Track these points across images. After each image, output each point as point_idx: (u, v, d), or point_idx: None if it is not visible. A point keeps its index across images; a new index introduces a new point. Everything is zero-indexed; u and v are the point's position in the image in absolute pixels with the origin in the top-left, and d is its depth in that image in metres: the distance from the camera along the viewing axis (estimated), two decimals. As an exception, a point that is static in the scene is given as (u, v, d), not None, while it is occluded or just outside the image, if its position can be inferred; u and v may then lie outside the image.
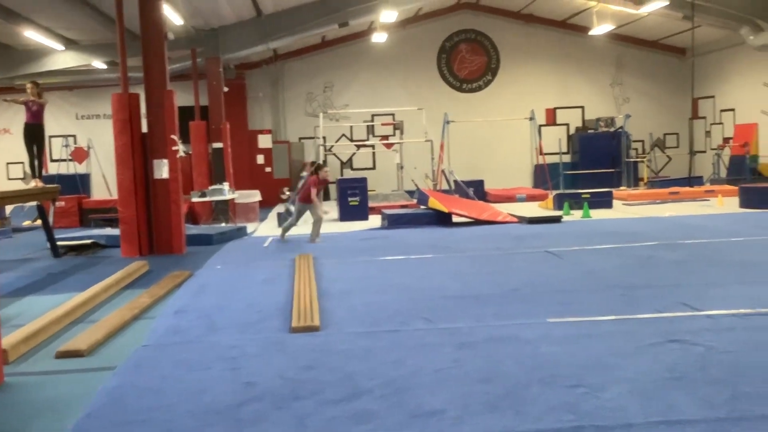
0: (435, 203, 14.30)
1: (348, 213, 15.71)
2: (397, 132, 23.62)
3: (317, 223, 12.20)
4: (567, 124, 25.12)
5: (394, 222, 14.06)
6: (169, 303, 7.36)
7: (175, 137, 11.55)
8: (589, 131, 23.80)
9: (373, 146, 23.74)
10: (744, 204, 15.53)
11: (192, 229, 13.21)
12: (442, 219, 14.07)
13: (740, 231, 11.34)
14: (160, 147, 11.44)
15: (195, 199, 15.70)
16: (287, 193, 18.18)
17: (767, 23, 18.14)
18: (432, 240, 11.71)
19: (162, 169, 11.43)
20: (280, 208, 17.65)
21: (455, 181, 18.64)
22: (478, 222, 13.91)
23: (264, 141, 23.54)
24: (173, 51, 16.70)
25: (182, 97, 18.05)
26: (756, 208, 14.96)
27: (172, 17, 14.72)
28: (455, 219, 14.14)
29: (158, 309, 7.10)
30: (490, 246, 10.68)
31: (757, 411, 3.74)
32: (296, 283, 7.80)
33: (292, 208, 16.34)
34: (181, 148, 11.73)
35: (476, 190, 18.97)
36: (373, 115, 23.17)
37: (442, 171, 19.65)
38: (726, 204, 16.14)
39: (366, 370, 4.69)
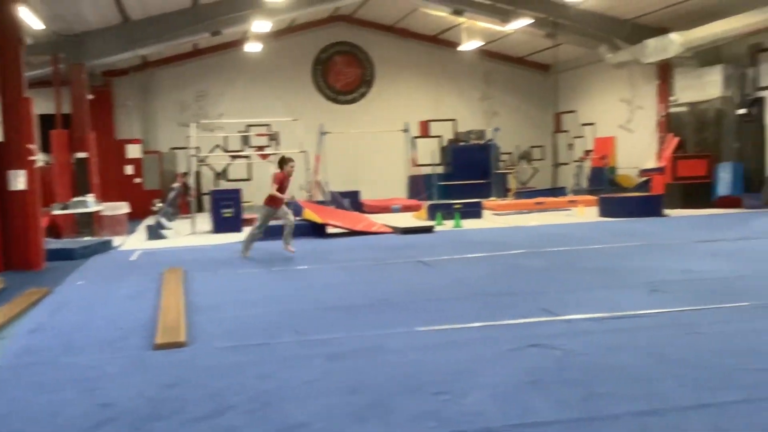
0: (310, 214, 14.25)
1: (222, 225, 15.39)
2: (273, 143, 23.44)
3: (288, 229, 11.21)
4: (440, 136, 25.75)
5: (268, 233, 13.86)
6: (23, 322, 6.92)
7: (32, 147, 10.94)
8: (461, 143, 24.48)
9: (248, 157, 23.42)
10: (603, 213, 16.42)
11: (53, 244, 12.53)
12: (317, 230, 14.04)
13: (598, 239, 11.97)
14: (16, 157, 10.79)
15: (56, 212, 14.91)
16: (159, 204, 17.60)
17: (624, 42, 19.31)
18: (306, 251, 11.66)
19: (18, 180, 10.78)
20: (150, 220, 17.06)
21: (330, 192, 18.67)
22: (352, 233, 13.98)
23: (133, 151, 22.71)
24: (34, 56, 15.84)
25: (44, 105, 17.17)
26: (613, 216, 15.85)
27: (31, 21, 13.96)
28: (330, 230, 14.15)
29: (11, 329, 6.66)
30: (364, 256, 10.76)
31: (609, 410, 3.93)
32: (163, 298, 7.54)
33: (165, 221, 15.80)
34: (40, 158, 11.11)
35: (352, 200, 19.08)
36: (248, 126, 22.88)
37: (318, 182, 19.65)
38: (587, 213, 17.01)
39: (232, 386, 4.59)
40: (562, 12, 18.44)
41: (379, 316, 6.57)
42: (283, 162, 11.41)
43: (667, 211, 16.22)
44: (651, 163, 19.62)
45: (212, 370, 4.99)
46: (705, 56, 18.03)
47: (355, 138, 23.34)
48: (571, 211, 18.11)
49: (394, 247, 11.85)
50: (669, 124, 19.57)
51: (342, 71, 25.13)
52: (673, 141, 18.78)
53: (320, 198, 18.84)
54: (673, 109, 19.48)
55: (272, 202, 11.22)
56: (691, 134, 18.68)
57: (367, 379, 4.63)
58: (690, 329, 5.64)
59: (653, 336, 5.48)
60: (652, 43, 17.78)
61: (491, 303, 6.96)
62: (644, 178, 19.69)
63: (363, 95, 25.38)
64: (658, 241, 11.51)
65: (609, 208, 16.34)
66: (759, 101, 17.36)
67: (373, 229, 14.27)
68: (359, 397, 4.28)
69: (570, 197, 20.76)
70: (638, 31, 18.91)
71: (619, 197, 17.20)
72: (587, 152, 24.07)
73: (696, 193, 17.61)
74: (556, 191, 22.62)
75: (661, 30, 18.33)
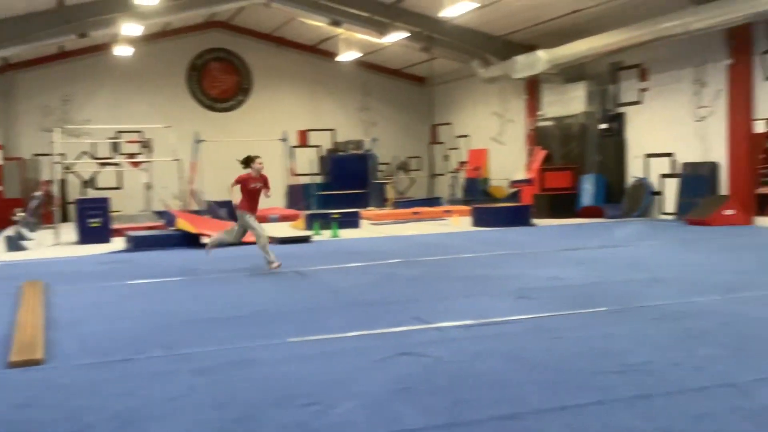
0: (183, 224, 13.87)
1: (88, 235, 14.71)
2: (145, 150, 22.67)
3: (261, 240, 10.03)
4: (319, 146, 25.74)
5: (138, 244, 13.41)
6: None
7: None
8: (340, 153, 24.58)
9: (118, 164, 22.53)
10: (476, 223, 16.91)
11: None
12: (191, 240, 13.68)
13: (471, 248, 12.31)
14: None
15: None
16: (20, 214, 16.61)
17: (495, 58, 20.01)
18: (179, 263, 11.33)
19: None
20: (10, 231, 16.07)
21: (206, 202, 18.26)
22: (228, 243, 13.69)
23: (-8, 157, 21.33)
24: None
25: None
26: (486, 226, 16.36)
27: None
28: (204, 240, 13.81)
29: None
30: (239, 267, 10.57)
31: (473, 416, 4.02)
32: (20, 313, 7.11)
33: (26, 232, 14.84)
34: None
35: (228, 210, 18.71)
36: (118, 132, 22.03)
37: (193, 191, 19.17)
38: (461, 223, 17.46)
39: (91, 405, 4.37)
40: (437, 27, 18.90)
41: (252, 327, 6.46)
42: (248, 161, 10.35)
43: (535, 221, 16.91)
44: (521, 175, 20.40)
45: (70, 389, 4.74)
46: (570, 73, 18.97)
47: (232, 146, 22.88)
48: (446, 221, 18.53)
49: (270, 257, 11.71)
50: (537, 137, 20.44)
51: (218, 78, 24.68)
52: (541, 153, 19.62)
53: (196, 207, 18.38)
54: (540, 123, 20.37)
55: (244, 205, 10.13)
56: (558, 147, 19.59)
57: (235, 393, 4.53)
58: (552, 334, 5.88)
59: (518, 341, 5.67)
60: (521, 59, 18.53)
61: (365, 312, 7.01)
62: (514, 189, 20.44)
63: (240, 103, 25.02)
64: (527, 249, 11.96)
65: (482, 218, 16.85)
66: (619, 117, 18.42)
67: (250, 240, 14.04)
68: (226, 412, 4.19)
69: (446, 207, 21.24)
70: (509, 47, 19.66)
71: (491, 207, 17.78)
72: (462, 163, 24.76)
73: (562, 203, 18.45)
74: (433, 201, 23.10)
75: (529, 47, 19.13)
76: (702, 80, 15.93)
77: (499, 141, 23.04)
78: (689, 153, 16.40)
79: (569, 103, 19.23)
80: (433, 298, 7.63)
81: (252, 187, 10.19)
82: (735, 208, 14.91)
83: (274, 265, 9.98)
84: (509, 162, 22.02)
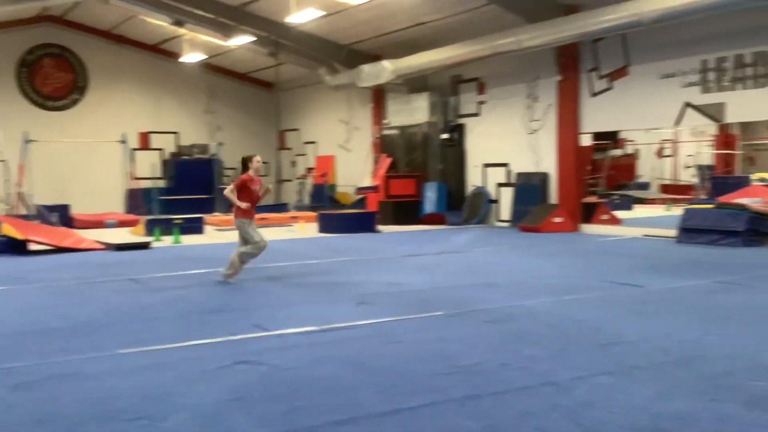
0: (8, 229, 12.91)
1: None
2: (-34, 150, 20.92)
3: (255, 249, 9.15)
4: (161, 149, 24.83)
5: None
6: None
7: None
8: (184, 157, 23.82)
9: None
10: (322, 229, 16.95)
11: None
12: (18, 247, 12.76)
13: (316, 254, 12.32)
14: None
15: None
16: None
17: (342, 66, 20.19)
18: (3, 270, 10.53)
19: None
20: None
21: (35, 206, 17.13)
22: (59, 249, 12.93)
23: None
24: None
25: None
26: (332, 232, 16.44)
27: None
28: (33, 247, 12.94)
29: None
30: (69, 275, 9.98)
31: (308, 422, 4.01)
32: None
33: None
34: None
35: (61, 215, 17.67)
36: (-66, 130, 20.20)
37: (21, 194, 17.92)
38: (308, 229, 17.44)
39: None
40: (284, 32, 18.82)
41: (79, 339, 6.11)
42: (246, 161, 9.44)
43: (380, 227, 17.20)
44: (366, 182, 20.67)
45: None
46: (414, 84, 19.49)
47: (66, 148, 21.69)
48: (293, 227, 18.42)
49: (104, 264, 11.16)
50: (382, 145, 20.82)
51: (51, 75, 23.22)
52: (386, 161, 20.01)
53: (24, 212, 17.20)
54: (386, 132, 20.77)
55: (241, 212, 9.15)
56: (402, 155, 20.06)
57: (57, 409, 4.26)
58: (390, 339, 6.00)
59: (356, 347, 5.73)
60: (366, 68, 18.82)
61: (203, 321, 6.82)
62: (360, 196, 20.69)
63: (75, 102, 23.68)
64: (371, 255, 12.14)
65: (328, 225, 16.92)
66: (459, 127, 19.14)
67: (82, 246, 13.33)
68: (46, 429, 3.93)
69: (292, 213, 21.15)
70: (355, 56, 19.90)
71: (337, 214, 17.91)
72: (309, 170, 24.76)
73: (406, 210, 18.89)
74: (280, 207, 22.90)
75: (375, 57, 19.47)
76: (534, 95, 16.87)
77: (345, 148, 23.26)
78: (523, 163, 17.30)
79: (413, 112, 19.74)
80: (275, 305, 7.56)
81: (254, 190, 9.29)
82: (563, 215, 15.88)
83: (232, 279, 9.16)
84: (355, 169, 22.26)
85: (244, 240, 9.24)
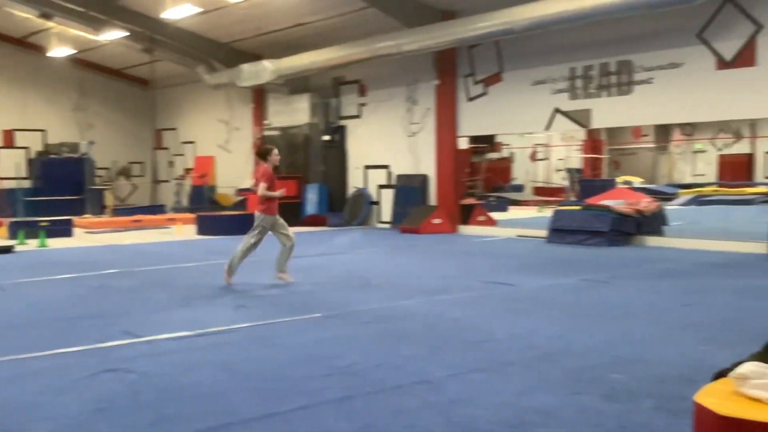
0: None
1: None
2: None
3: (287, 249, 8.83)
4: (27, 148, 23.52)
5: None
6: None
7: None
8: (52, 156, 22.63)
9: None
10: (200, 231, 16.56)
11: None
12: None
13: (193, 257, 12.03)
14: None
15: None
16: None
17: (221, 65, 19.80)
18: None
19: None
20: None
21: None
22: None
23: None
24: None
25: None
26: (211, 234, 16.09)
27: None
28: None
29: None
30: None
31: (177, 431, 3.90)
32: None
33: None
34: None
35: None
36: None
37: None
38: (185, 231, 16.99)
39: None
40: (160, 28, 18.25)
41: (-71, 351, 5.68)
42: (265, 154, 8.91)
43: (260, 229, 16.96)
44: (247, 183, 20.36)
45: None
46: (295, 84, 19.39)
47: None
48: (170, 229, 17.91)
49: (-39, 270, 10.44)
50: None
51: None
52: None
53: None
54: (267, 132, 20.54)
55: (266, 207, 8.72)
56: (284, 157, 19.79)
57: None
58: (267, 342, 5.92)
59: (232, 351, 5.63)
60: (247, 68, 18.55)
61: (69, 328, 6.50)
62: (241, 197, 20.38)
63: (-70, 96, 22.07)
64: (251, 257, 11.90)
65: (206, 226, 16.55)
66: (341, 129, 19.20)
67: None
68: None
69: (169, 215, 20.56)
70: (235, 55, 19.58)
71: (216, 215, 17.57)
72: (187, 170, 24.15)
73: (287, 211, 18.53)
74: (156, 209, 22.18)
75: (256, 56, 19.22)
76: (414, 98, 17.17)
77: (225, 148, 22.83)
78: (403, 165, 17.57)
79: (294, 113, 19.63)
80: (148, 310, 7.31)
81: (276, 183, 8.87)
82: (442, 217, 16.24)
83: (228, 280, 8.83)
84: (236, 170, 21.91)
85: (259, 235, 8.88)
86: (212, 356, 5.46)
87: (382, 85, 17.93)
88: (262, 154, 9.01)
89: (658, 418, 4.02)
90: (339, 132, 19.22)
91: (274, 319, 6.77)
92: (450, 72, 16.21)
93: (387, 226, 17.89)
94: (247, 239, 8.92)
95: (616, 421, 4.00)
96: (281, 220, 8.87)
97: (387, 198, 18.05)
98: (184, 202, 23.16)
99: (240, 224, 16.57)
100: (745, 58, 11.70)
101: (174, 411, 4.19)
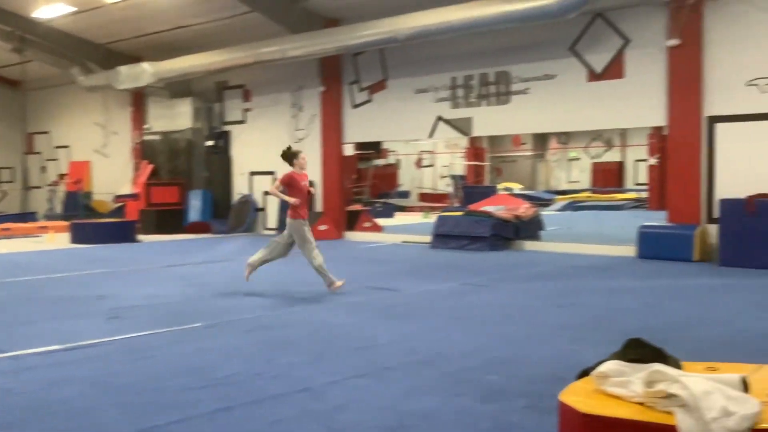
0: None
1: None
2: None
3: (318, 259, 8.52)
4: None
5: None
6: None
7: None
8: None
9: None
10: (75, 239, 15.83)
11: None
12: None
13: (66, 266, 11.47)
14: None
15: None
16: None
17: (97, 67, 19.03)
18: None
19: None
20: None
21: None
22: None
23: None
24: None
25: None
26: (86, 243, 15.40)
27: None
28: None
29: None
30: None
31: (42, 450, 3.69)
32: None
33: None
34: None
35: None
36: None
37: None
38: (58, 240, 16.19)
39: None
40: (31, 28, 17.35)
41: None
42: (291, 156, 8.64)
43: (141, 237, 16.44)
44: (126, 189, 19.68)
45: None
46: (177, 88, 18.88)
47: None
48: (41, 238, 17.03)
49: None
50: (143, 151, 19.93)
51: None
52: (148, 168, 19.17)
53: None
54: (147, 137, 19.90)
55: (296, 212, 8.46)
56: (165, 162, 19.33)
57: None
58: (143, 354, 5.71)
59: (103, 365, 5.39)
60: (124, 70, 17.90)
61: (-77, 346, 6.03)
62: (119, 204, 19.64)
63: None
64: (128, 267, 11.54)
65: (81, 234, 15.83)
66: (225, 134, 18.86)
67: None
68: None
69: (41, 223, 19.54)
70: (112, 56, 18.86)
71: (92, 223, 16.86)
72: (61, 176, 23.02)
73: (169, 219, 18.22)
74: (27, 216, 21.05)
75: (135, 58, 18.59)
76: (299, 104, 17.09)
77: (102, 153, 21.92)
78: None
79: (176, 118, 19.12)
80: (13, 324, 6.90)
81: (303, 186, 8.58)
82: (328, 223, 16.22)
83: (337, 284, 8.57)
84: (114, 176, 21.07)
85: (287, 239, 8.74)
86: (82, 371, 5.21)
87: (267, 90, 17.75)
88: (287, 157, 8.83)
89: (530, 417, 4.15)
90: (223, 137, 18.87)
91: (150, 331, 6.54)
92: (335, 79, 16.24)
93: (273, 232, 17.68)
94: (273, 248, 8.90)
95: (490, 421, 4.10)
96: (306, 227, 8.68)
97: (273, 204, 17.86)
98: (58, 209, 22.05)
99: (118, 232, 16.07)
100: (614, 70, 12.34)
101: (40, 429, 3.96)
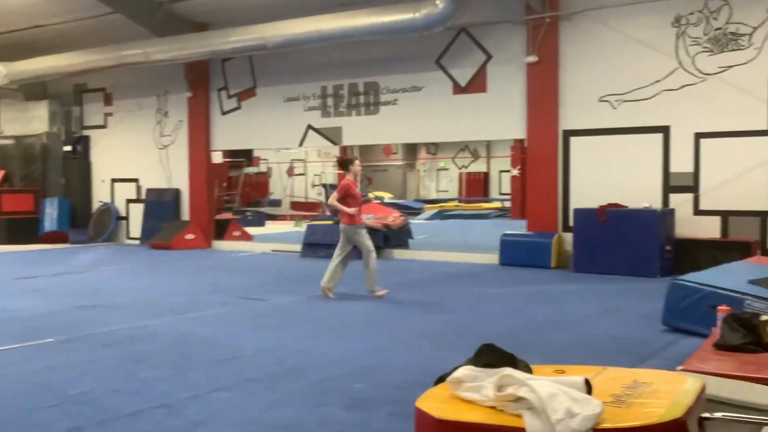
0: None
1: None
2: None
3: (373, 262, 8.78)
4: None
5: None
6: None
7: None
8: None
9: None
10: None
11: None
12: None
13: None
14: None
15: None
16: None
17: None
18: None
19: None
20: None
21: None
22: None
23: None
24: None
25: None
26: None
27: None
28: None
29: None
30: None
31: None
32: None
33: None
34: None
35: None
36: None
37: None
38: None
39: None
40: None
41: None
42: (347, 164, 8.85)
43: (-10, 248, 15.41)
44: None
45: None
46: (32, 90, 17.86)
47: None
48: None
49: None
50: (-6, 156, 18.69)
51: None
52: (-1, 174, 18.00)
53: None
54: (-2, 141, 18.69)
55: (350, 219, 8.63)
56: (18, 168, 18.19)
57: None
58: (-13, 373, 5.35)
59: (-58, 386, 5.00)
60: (-26, 69, 16.74)
61: None
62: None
63: None
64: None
65: None
66: (84, 139, 18.01)
67: None
68: None
69: None
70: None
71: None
72: None
73: (22, 228, 17.18)
74: None
75: (-15, 58, 17.43)
76: (165, 110, 16.59)
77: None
78: (154, 179, 16.88)
79: (30, 121, 18.06)
80: None
81: (357, 194, 8.85)
82: (196, 232, 15.82)
83: (380, 293, 8.82)
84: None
85: (351, 247, 8.97)
86: None
87: (130, 94, 17.11)
88: (343, 164, 9.04)
89: (394, 423, 4.20)
90: (82, 143, 18.01)
91: (-3, 347, 6.14)
92: (203, 85, 15.89)
93: (136, 242, 17.07)
94: (335, 254, 9.02)
95: (355, 429, 4.13)
96: (363, 232, 8.82)
97: (136, 213, 17.23)
98: None
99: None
100: (477, 84, 12.78)
101: None
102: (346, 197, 8.71)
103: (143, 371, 5.40)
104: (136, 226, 17.23)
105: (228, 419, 4.29)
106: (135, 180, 17.31)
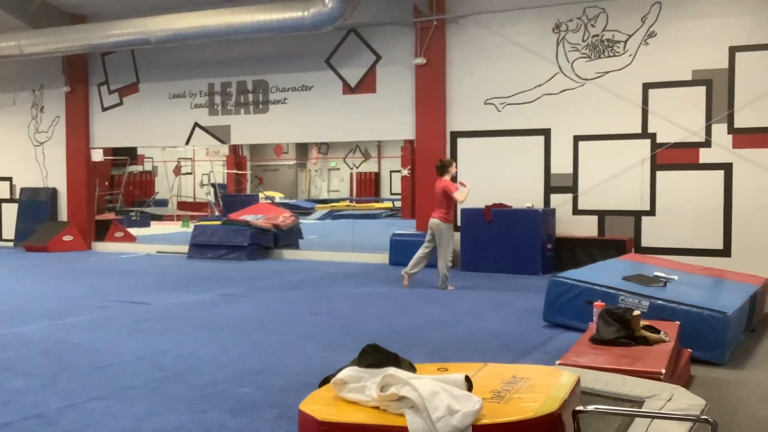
0: None
1: None
2: None
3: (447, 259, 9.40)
4: None
5: None
6: None
7: None
8: None
9: None
10: None
11: None
12: None
13: None
14: None
15: None
16: None
17: None
18: None
19: None
20: None
21: None
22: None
23: None
24: None
25: None
26: None
27: None
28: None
29: None
30: None
31: None
32: None
33: None
34: None
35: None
36: None
37: None
38: None
39: None
40: None
41: None
42: (446, 166, 9.41)
43: None
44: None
45: None
46: None
47: None
48: None
49: None
50: None
51: None
52: None
53: None
54: None
55: (445, 216, 9.23)
56: None
57: None
58: None
59: None
60: None
61: None
62: None
63: None
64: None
65: None
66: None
67: None
68: None
69: None
70: None
71: None
72: None
73: None
74: None
75: None
76: (41, 105, 15.78)
77: None
78: (29, 178, 16.02)
79: None
80: None
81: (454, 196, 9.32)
82: (74, 234, 15.13)
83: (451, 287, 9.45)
84: None
85: (435, 244, 9.35)
86: None
87: (3, 88, 16.15)
88: (442, 167, 9.43)
89: (280, 428, 4.14)
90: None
91: None
92: (82, 79, 15.20)
93: (9, 244, 16.15)
94: (422, 247, 9.50)
95: (240, 434, 4.03)
96: (452, 231, 9.39)
97: (9, 213, 16.29)
98: None
99: None
100: (367, 85, 12.82)
101: None
102: (447, 197, 9.22)
103: (13, 381, 5.10)
104: (9, 227, 16.30)
105: (104, 429, 4.10)
106: (8, 179, 16.36)
